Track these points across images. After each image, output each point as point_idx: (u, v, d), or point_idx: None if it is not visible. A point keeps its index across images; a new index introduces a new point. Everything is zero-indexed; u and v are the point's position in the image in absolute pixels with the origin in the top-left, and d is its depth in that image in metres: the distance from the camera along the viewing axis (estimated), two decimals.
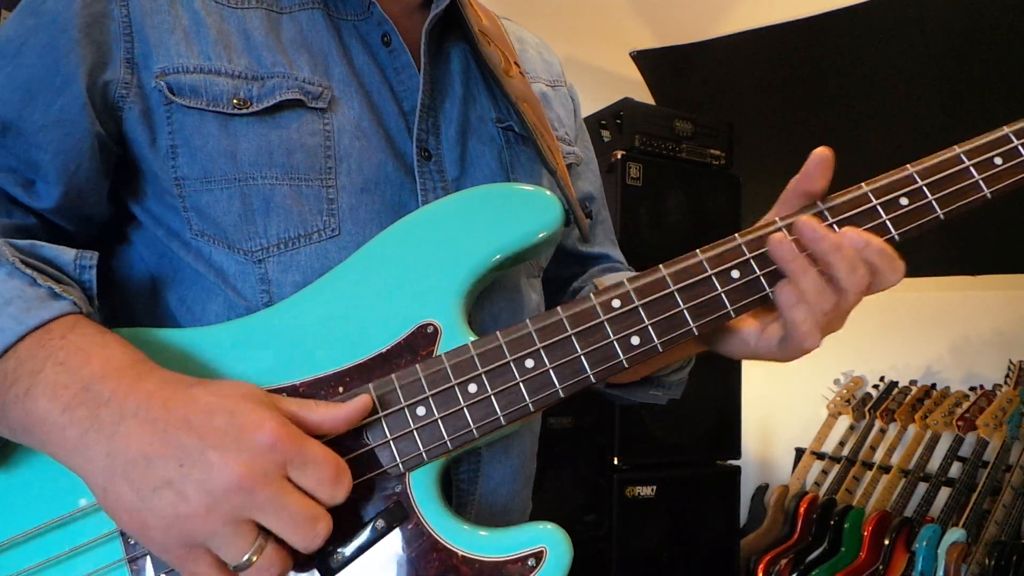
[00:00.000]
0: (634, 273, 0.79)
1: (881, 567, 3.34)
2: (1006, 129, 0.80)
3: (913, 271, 0.79)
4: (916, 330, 3.86)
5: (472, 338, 0.73)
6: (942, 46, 2.97)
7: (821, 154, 0.77)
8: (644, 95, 3.95)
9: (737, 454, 2.92)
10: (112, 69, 0.75)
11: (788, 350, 0.77)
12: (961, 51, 2.94)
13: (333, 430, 0.67)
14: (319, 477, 0.62)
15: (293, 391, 0.70)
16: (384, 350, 0.72)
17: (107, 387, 0.61)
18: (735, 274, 0.76)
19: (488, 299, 0.84)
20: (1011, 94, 2.90)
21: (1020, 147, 0.79)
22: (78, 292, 0.69)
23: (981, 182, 0.78)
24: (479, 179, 0.87)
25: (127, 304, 0.80)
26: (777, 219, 0.78)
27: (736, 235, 0.78)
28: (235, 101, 0.75)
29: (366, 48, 0.84)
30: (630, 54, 3.81)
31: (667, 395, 1.02)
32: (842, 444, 3.94)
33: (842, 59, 3.27)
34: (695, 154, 2.91)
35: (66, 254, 0.71)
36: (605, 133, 2.86)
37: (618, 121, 2.81)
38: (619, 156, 2.72)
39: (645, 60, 3.84)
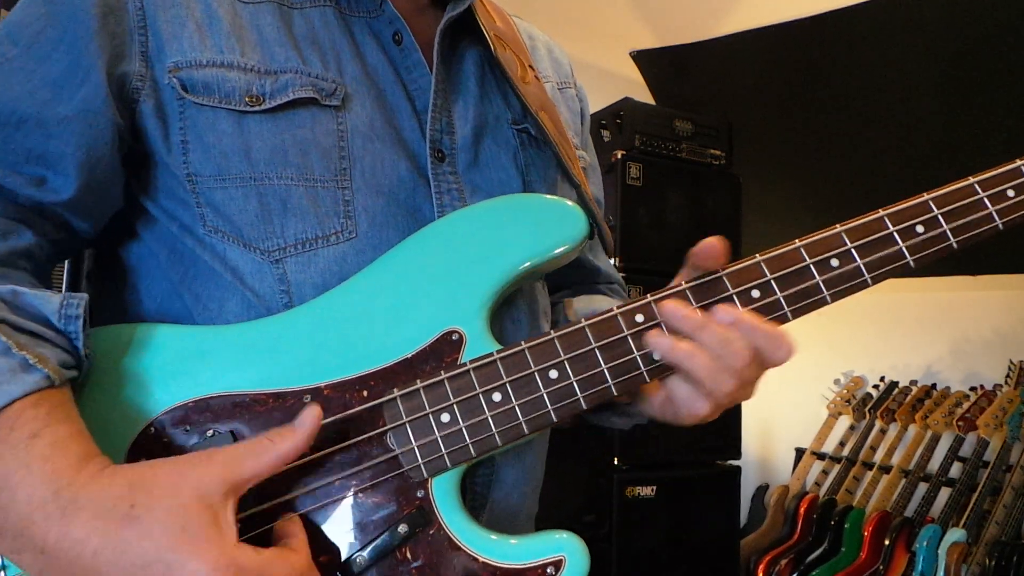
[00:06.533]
0: (602, 309, 0.77)
1: (881, 567, 3.35)
2: (1019, 162, 0.81)
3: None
4: (916, 330, 3.86)
5: (496, 347, 0.74)
6: (942, 46, 2.97)
7: (711, 245, 0.78)
8: (644, 95, 3.95)
9: (737, 454, 2.93)
10: (128, 61, 0.74)
11: (681, 418, 0.78)
12: (961, 52, 2.94)
13: (296, 455, 0.65)
14: None
15: (317, 393, 0.70)
16: (409, 355, 0.72)
17: (37, 534, 0.57)
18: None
19: (505, 302, 0.83)
20: (1011, 94, 2.91)
21: None
22: (57, 351, 0.65)
23: (995, 213, 0.79)
24: (494, 181, 0.87)
25: (139, 301, 0.79)
26: (649, 295, 0.77)
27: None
28: (247, 98, 0.75)
29: (379, 45, 0.84)
30: (630, 54, 3.81)
31: (630, 423, 0.96)
32: (842, 444, 3.94)
33: (842, 59, 3.27)
34: (695, 154, 2.92)
35: (50, 304, 0.66)
36: (605, 133, 2.86)
37: (618, 121, 2.82)
38: (619, 156, 2.73)
39: (645, 60, 3.84)
